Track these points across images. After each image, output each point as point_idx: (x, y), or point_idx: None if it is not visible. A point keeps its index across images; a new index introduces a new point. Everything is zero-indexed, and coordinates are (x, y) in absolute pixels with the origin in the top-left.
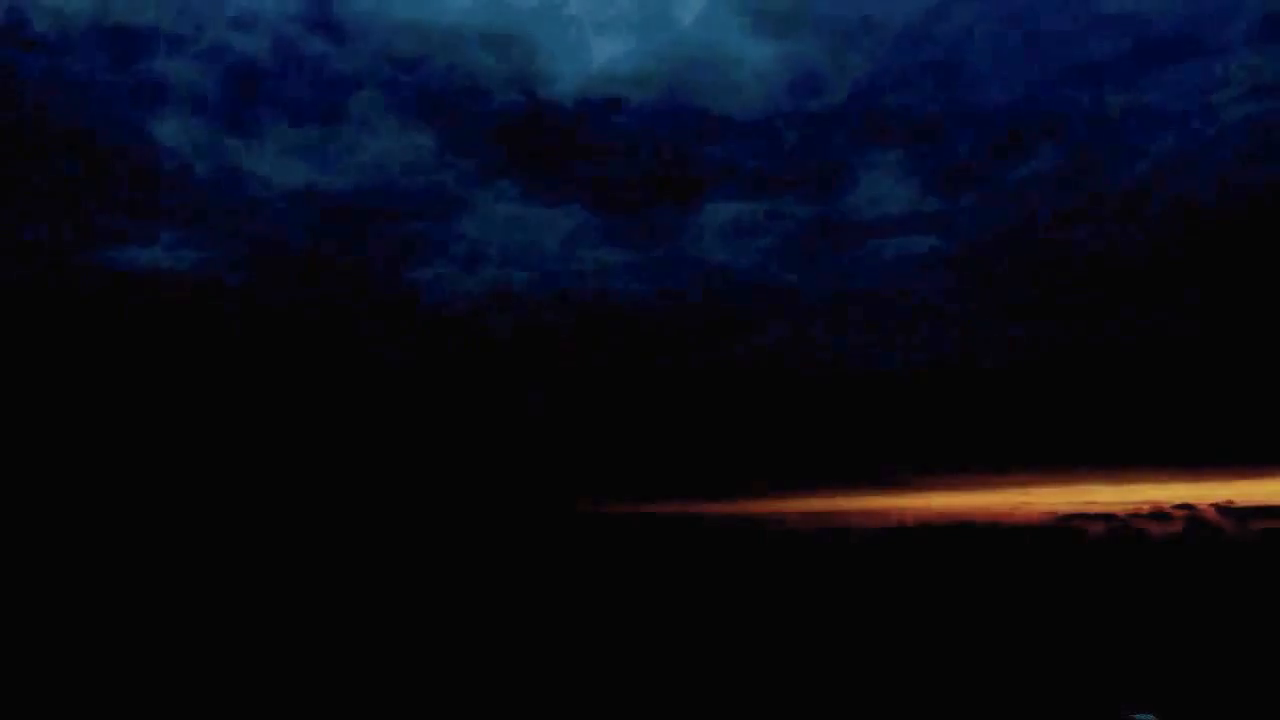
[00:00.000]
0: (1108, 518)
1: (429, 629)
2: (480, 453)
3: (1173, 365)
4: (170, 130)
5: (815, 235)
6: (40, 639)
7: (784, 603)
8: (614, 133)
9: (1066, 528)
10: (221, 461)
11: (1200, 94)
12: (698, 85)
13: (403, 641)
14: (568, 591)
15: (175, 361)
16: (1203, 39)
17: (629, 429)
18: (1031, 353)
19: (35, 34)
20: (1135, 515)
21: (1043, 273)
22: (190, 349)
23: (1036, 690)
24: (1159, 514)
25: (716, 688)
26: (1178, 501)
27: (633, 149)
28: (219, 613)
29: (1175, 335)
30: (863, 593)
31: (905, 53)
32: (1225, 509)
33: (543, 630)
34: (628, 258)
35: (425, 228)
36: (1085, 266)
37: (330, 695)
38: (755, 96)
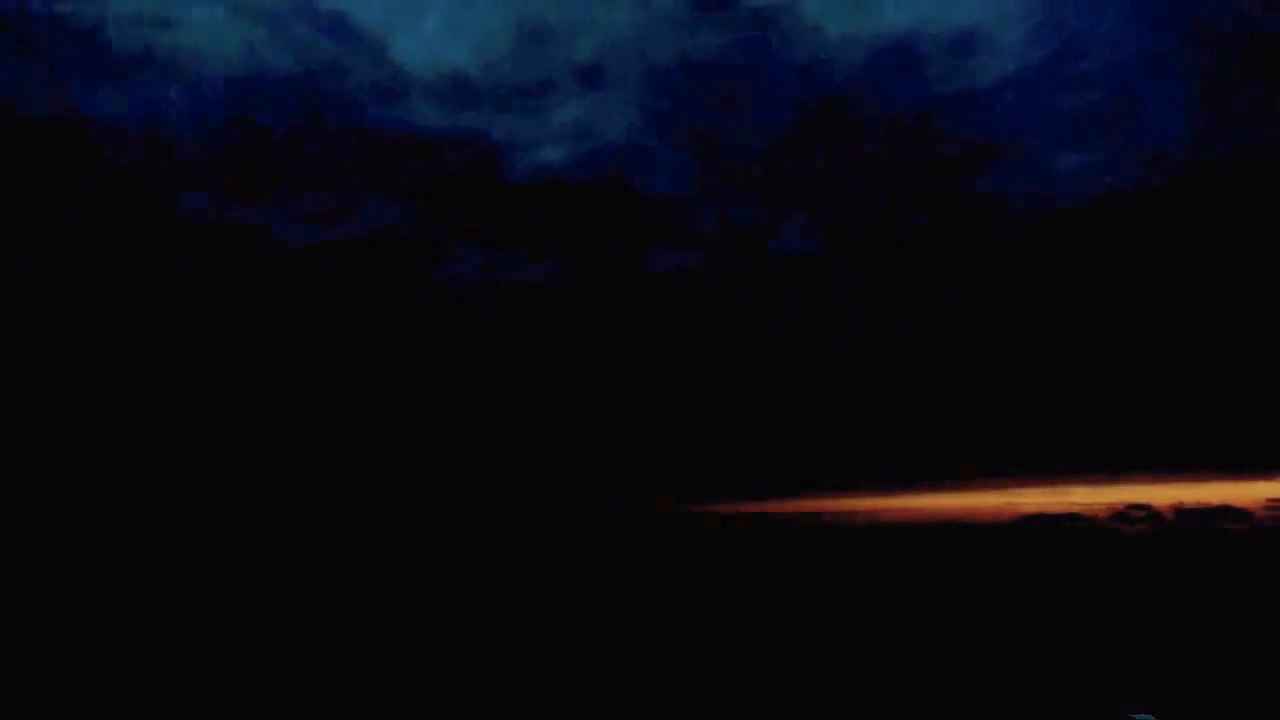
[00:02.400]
0: (1074, 517)
1: (509, 625)
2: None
3: (1125, 379)
4: (204, 204)
5: (744, 276)
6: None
7: (783, 600)
8: (563, 205)
9: (1049, 528)
10: (304, 459)
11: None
12: (630, 172)
13: (481, 636)
14: (634, 589)
15: (221, 360)
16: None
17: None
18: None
19: (91, 137)
20: (1099, 516)
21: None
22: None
23: (1035, 690)
24: (1123, 515)
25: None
26: (1137, 501)
27: (581, 215)
28: (300, 610)
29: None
30: (857, 592)
31: (789, 156)
32: (1192, 510)
33: (621, 625)
34: (586, 291)
35: (421, 265)
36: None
37: (409, 691)
38: (676, 181)
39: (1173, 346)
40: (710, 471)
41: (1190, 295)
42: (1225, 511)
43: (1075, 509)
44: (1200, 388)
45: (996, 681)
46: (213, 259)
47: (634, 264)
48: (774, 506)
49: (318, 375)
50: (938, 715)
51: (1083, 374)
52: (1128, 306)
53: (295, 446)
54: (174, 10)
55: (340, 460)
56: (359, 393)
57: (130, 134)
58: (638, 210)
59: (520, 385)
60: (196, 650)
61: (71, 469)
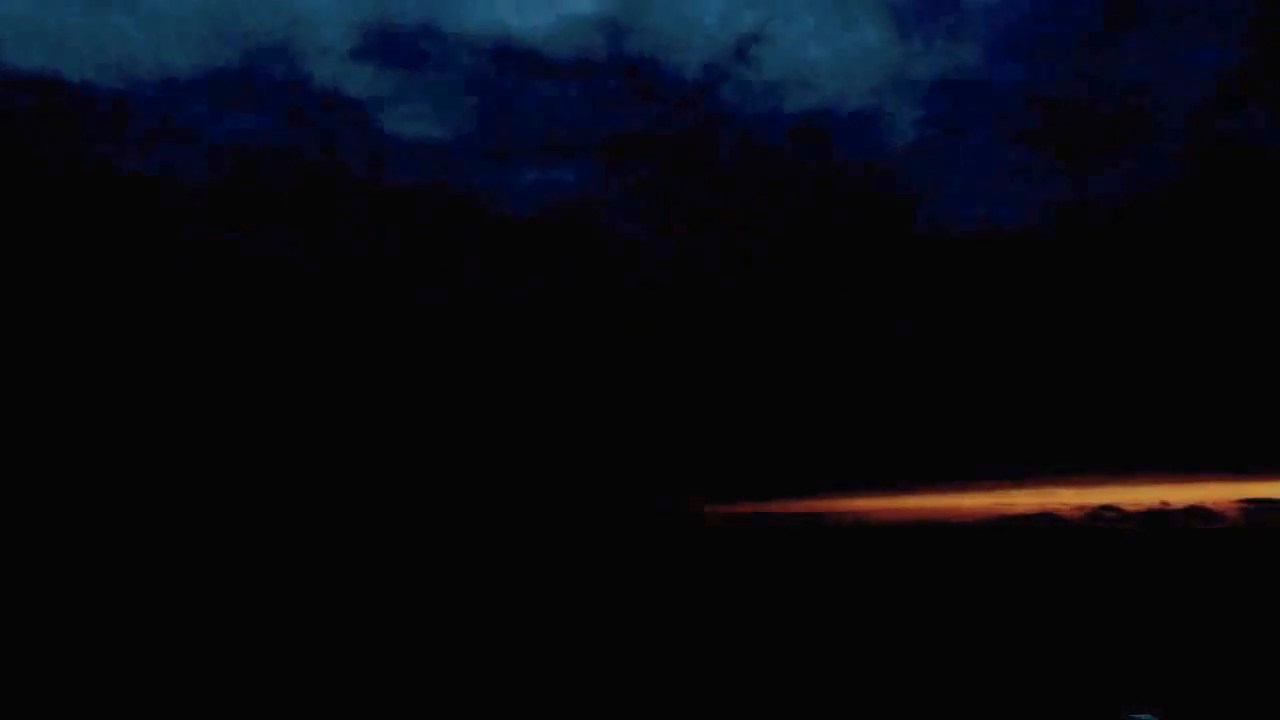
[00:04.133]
0: (1051, 517)
1: (543, 625)
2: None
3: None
4: (211, 238)
5: (710, 297)
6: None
7: (782, 598)
8: (538, 239)
9: (1033, 528)
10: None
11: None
12: (593, 218)
13: (514, 637)
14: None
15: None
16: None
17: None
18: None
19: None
20: (1075, 517)
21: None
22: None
23: (1034, 690)
24: (1098, 515)
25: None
26: (1115, 502)
27: (556, 245)
28: (340, 607)
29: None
30: (856, 592)
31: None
32: (1169, 511)
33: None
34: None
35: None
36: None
37: (423, 690)
38: (632, 222)
39: (1150, 353)
40: (707, 472)
41: (1158, 306)
42: (1199, 512)
43: (1060, 509)
44: (1183, 391)
45: (995, 681)
46: (220, 281)
47: (607, 285)
48: (772, 507)
49: (323, 379)
50: (937, 715)
51: (1070, 380)
52: (1093, 324)
53: (317, 449)
54: (187, 86)
55: (355, 462)
56: (361, 395)
57: (149, 188)
58: (604, 243)
59: (510, 393)
60: (208, 653)
61: (72, 470)
